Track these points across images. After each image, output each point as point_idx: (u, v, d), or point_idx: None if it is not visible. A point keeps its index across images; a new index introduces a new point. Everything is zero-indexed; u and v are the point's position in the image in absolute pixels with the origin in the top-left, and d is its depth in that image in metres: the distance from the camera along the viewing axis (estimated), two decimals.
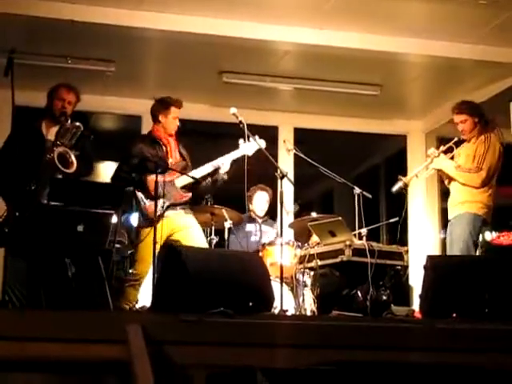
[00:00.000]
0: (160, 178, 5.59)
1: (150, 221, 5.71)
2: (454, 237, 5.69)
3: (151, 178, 5.72)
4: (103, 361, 2.81)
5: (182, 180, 5.94)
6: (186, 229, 5.91)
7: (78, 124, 5.56)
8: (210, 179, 6.04)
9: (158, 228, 5.49)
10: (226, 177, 6.04)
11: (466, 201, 5.74)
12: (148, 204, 5.81)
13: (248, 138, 5.78)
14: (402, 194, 6.13)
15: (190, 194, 5.99)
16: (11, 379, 2.74)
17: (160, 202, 5.72)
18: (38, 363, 2.75)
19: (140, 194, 5.87)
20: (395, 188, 5.95)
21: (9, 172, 5.18)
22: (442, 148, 6.00)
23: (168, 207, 5.78)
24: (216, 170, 5.98)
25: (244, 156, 5.91)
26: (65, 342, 2.81)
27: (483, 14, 6.68)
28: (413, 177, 5.94)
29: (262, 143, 5.89)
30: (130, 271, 6.14)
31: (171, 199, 5.84)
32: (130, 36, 6.94)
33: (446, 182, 6.08)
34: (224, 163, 5.97)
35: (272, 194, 7.40)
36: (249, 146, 5.91)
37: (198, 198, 6.22)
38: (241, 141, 5.88)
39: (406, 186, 5.84)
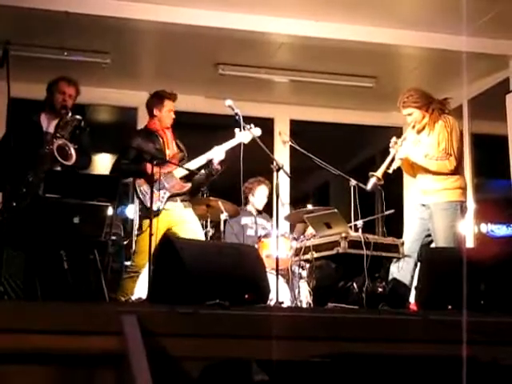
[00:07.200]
0: (158, 169, 5.62)
1: (146, 212, 5.75)
2: (435, 226, 5.64)
3: (148, 164, 5.78)
4: (99, 352, 2.81)
5: (180, 171, 5.96)
6: (185, 223, 5.93)
7: (78, 117, 5.59)
8: (204, 171, 6.07)
9: (156, 221, 5.54)
10: (219, 167, 6.05)
11: (446, 188, 5.67)
12: (149, 197, 5.84)
13: (243, 127, 5.78)
14: (378, 190, 6.08)
15: (189, 184, 6.02)
16: (7, 371, 2.74)
17: (161, 192, 5.76)
18: (33, 355, 2.75)
19: (143, 188, 5.88)
20: (370, 185, 5.80)
21: (7, 163, 5.17)
22: (404, 135, 5.90)
23: (169, 197, 5.80)
24: (210, 161, 6.00)
25: (240, 145, 5.92)
26: (60, 334, 2.81)
27: (479, 6, 6.67)
28: (384, 170, 5.80)
29: (258, 131, 5.88)
30: (129, 263, 6.14)
31: (172, 190, 5.86)
32: (126, 28, 6.94)
33: (405, 169, 5.93)
34: (218, 153, 5.99)
35: (270, 187, 7.42)
36: (244, 135, 5.92)
37: (194, 190, 6.22)
38: (236, 130, 5.89)
39: (379, 180, 5.75)
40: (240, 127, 5.77)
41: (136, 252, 5.92)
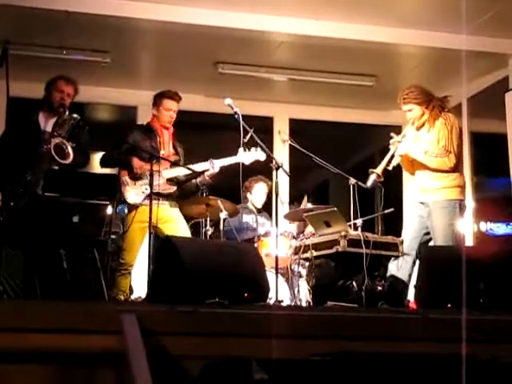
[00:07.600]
0: (147, 165, 5.62)
1: (130, 206, 5.87)
2: (434, 224, 5.64)
3: (137, 159, 5.81)
4: (98, 351, 2.81)
5: (170, 173, 5.96)
6: (171, 221, 5.94)
7: (76, 116, 5.59)
8: (194, 180, 6.07)
9: (141, 215, 5.61)
10: (209, 180, 6.05)
11: (445, 186, 5.67)
12: (128, 189, 5.84)
13: (249, 148, 5.83)
14: (378, 187, 6.09)
15: (175, 188, 6.01)
16: (6, 370, 2.74)
17: (142, 188, 5.76)
18: (32, 354, 2.75)
19: (126, 179, 5.89)
20: (369, 182, 5.80)
21: (5, 162, 5.17)
22: (404, 132, 5.89)
23: (149, 195, 5.78)
24: (203, 172, 5.99)
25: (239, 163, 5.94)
26: (60, 333, 2.81)
27: (479, 5, 6.67)
28: (384, 167, 5.80)
29: (262, 156, 5.89)
30: (120, 261, 6.14)
31: (156, 188, 5.79)
32: (125, 27, 6.93)
33: (405, 166, 5.93)
34: (214, 166, 5.97)
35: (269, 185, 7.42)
36: (247, 156, 5.94)
37: (180, 196, 6.19)
38: (240, 149, 5.86)
39: (379, 177, 5.74)
40: (244, 147, 5.78)
41: (124, 249, 5.92)
